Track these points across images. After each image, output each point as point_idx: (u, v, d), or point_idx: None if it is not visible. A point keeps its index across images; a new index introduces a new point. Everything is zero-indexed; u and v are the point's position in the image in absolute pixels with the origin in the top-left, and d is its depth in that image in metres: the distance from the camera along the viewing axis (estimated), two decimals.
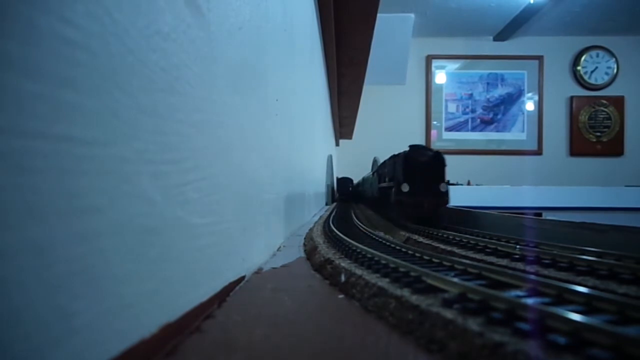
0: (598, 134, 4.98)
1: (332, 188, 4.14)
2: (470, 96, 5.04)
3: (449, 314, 0.35)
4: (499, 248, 0.81)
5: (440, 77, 5.06)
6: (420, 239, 1.08)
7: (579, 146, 4.99)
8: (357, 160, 4.92)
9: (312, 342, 0.35)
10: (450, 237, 1.01)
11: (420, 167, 1.35)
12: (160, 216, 0.32)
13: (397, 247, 0.77)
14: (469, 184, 4.27)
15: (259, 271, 0.65)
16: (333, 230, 1.02)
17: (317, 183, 2.36)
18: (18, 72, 0.19)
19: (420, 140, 4.63)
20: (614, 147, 4.98)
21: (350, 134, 4.98)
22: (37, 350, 0.20)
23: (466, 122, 5.03)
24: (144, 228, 0.30)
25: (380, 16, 2.04)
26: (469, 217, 1.41)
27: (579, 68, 4.96)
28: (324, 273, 0.62)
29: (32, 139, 0.20)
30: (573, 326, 0.29)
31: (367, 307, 0.44)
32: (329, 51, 2.23)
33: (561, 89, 4.97)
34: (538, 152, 4.99)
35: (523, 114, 5.02)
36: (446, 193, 1.34)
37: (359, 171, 4.61)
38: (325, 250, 0.74)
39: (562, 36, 4.85)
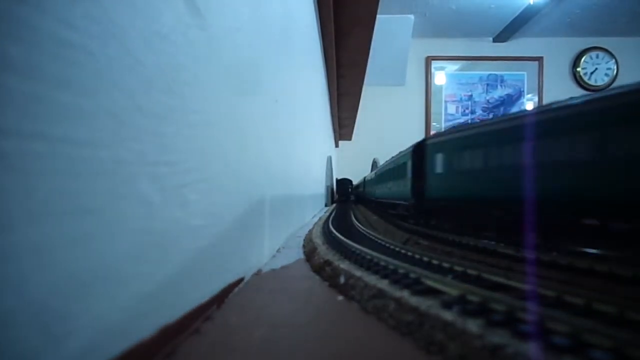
0: None
1: (332, 189, 4.14)
2: (470, 97, 5.05)
3: (448, 315, 0.35)
4: (499, 250, 0.81)
5: (439, 78, 5.07)
6: (420, 240, 1.08)
7: None
8: (356, 162, 4.93)
9: (311, 344, 0.35)
10: (450, 238, 1.01)
11: None
12: (158, 217, 0.32)
13: (397, 249, 0.76)
14: None
15: (258, 272, 0.65)
16: (332, 232, 1.02)
17: (316, 184, 2.36)
18: (16, 73, 0.19)
19: None
20: None
21: (350, 135, 4.97)
22: (35, 352, 0.20)
23: (466, 123, 5.03)
24: (142, 229, 0.30)
25: (379, 17, 2.04)
26: None
27: (578, 69, 4.97)
28: (323, 274, 0.62)
29: (30, 140, 0.20)
30: (573, 328, 0.29)
31: (367, 308, 0.44)
32: (329, 52, 2.23)
33: (561, 90, 4.96)
34: None
35: None
36: None
37: (358, 172, 4.62)
38: (325, 252, 0.74)
39: (562, 37, 4.85)
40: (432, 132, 4.99)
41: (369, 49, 2.39)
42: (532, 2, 3.94)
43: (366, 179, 3.49)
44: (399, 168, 1.66)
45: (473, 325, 0.32)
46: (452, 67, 5.07)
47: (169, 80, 0.34)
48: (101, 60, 0.25)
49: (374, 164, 4.34)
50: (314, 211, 2.16)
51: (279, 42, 0.86)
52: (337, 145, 5.06)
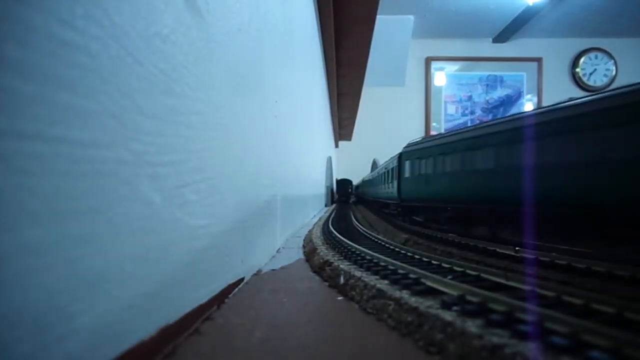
0: None
1: (332, 189, 4.14)
2: (470, 98, 5.05)
3: (448, 315, 0.35)
4: (498, 250, 0.82)
5: (439, 79, 5.07)
6: (420, 241, 1.08)
7: None
8: (356, 162, 4.93)
9: (311, 344, 0.35)
10: (449, 238, 1.01)
11: None
12: (159, 218, 0.32)
13: (397, 249, 0.77)
14: None
15: (258, 273, 0.65)
16: (332, 232, 1.02)
17: (316, 185, 2.36)
18: (17, 74, 0.19)
19: None
20: None
21: (350, 135, 4.98)
22: (37, 351, 0.20)
23: (465, 123, 5.03)
24: (142, 230, 0.30)
25: (379, 18, 2.04)
26: None
27: (578, 70, 4.98)
28: (323, 275, 0.62)
29: (31, 140, 0.20)
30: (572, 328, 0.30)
31: (366, 309, 0.44)
32: (329, 53, 2.24)
33: (560, 90, 4.97)
34: None
35: None
36: None
37: (358, 173, 4.62)
38: (325, 252, 0.74)
39: (561, 38, 4.86)
40: (432, 133, 5.00)
41: (368, 48, 2.40)
42: (531, 3, 3.94)
43: (373, 176, 3.20)
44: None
45: (472, 326, 0.32)
46: (452, 67, 5.08)
47: (170, 81, 0.34)
48: (102, 61, 0.25)
49: (374, 164, 4.34)
50: (314, 211, 2.16)
51: (279, 43, 0.86)
52: (337, 146, 5.06)
